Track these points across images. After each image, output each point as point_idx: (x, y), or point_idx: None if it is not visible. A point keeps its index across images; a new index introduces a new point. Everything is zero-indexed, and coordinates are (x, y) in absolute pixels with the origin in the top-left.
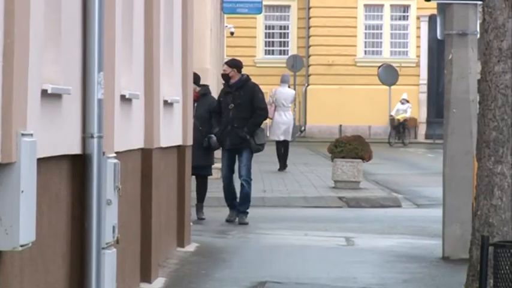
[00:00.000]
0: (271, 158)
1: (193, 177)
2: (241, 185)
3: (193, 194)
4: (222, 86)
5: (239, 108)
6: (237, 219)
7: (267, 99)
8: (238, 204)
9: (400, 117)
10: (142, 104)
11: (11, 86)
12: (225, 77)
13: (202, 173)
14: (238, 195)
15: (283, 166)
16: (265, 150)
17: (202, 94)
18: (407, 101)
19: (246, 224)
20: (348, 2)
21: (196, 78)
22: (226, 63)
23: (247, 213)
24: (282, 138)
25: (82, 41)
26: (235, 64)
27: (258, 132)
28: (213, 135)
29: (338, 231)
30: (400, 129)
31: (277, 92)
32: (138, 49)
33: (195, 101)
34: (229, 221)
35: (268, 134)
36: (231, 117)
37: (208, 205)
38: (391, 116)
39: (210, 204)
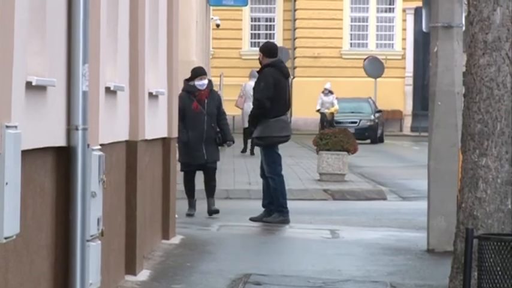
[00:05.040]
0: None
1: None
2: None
3: (180, 187)
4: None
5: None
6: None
7: (239, 92)
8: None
9: (333, 109)
10: (127, 96)
11: None
12: (260, 63)
13: (213, 167)
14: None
15: (245, 149)
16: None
17: (210, 89)
18: (331, 92)
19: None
20: None
21: (199, 73)
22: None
23: (283, 211)
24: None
25: (67, 33)
26: (262, 48)
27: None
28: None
29: (323, 223)
30: (331, 125)
31: (247, 86)
32: (123, 41)
33: (206, 97)
34: (266, 221)
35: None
36: None
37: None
38: (318, 110)
39: (195, 197)
